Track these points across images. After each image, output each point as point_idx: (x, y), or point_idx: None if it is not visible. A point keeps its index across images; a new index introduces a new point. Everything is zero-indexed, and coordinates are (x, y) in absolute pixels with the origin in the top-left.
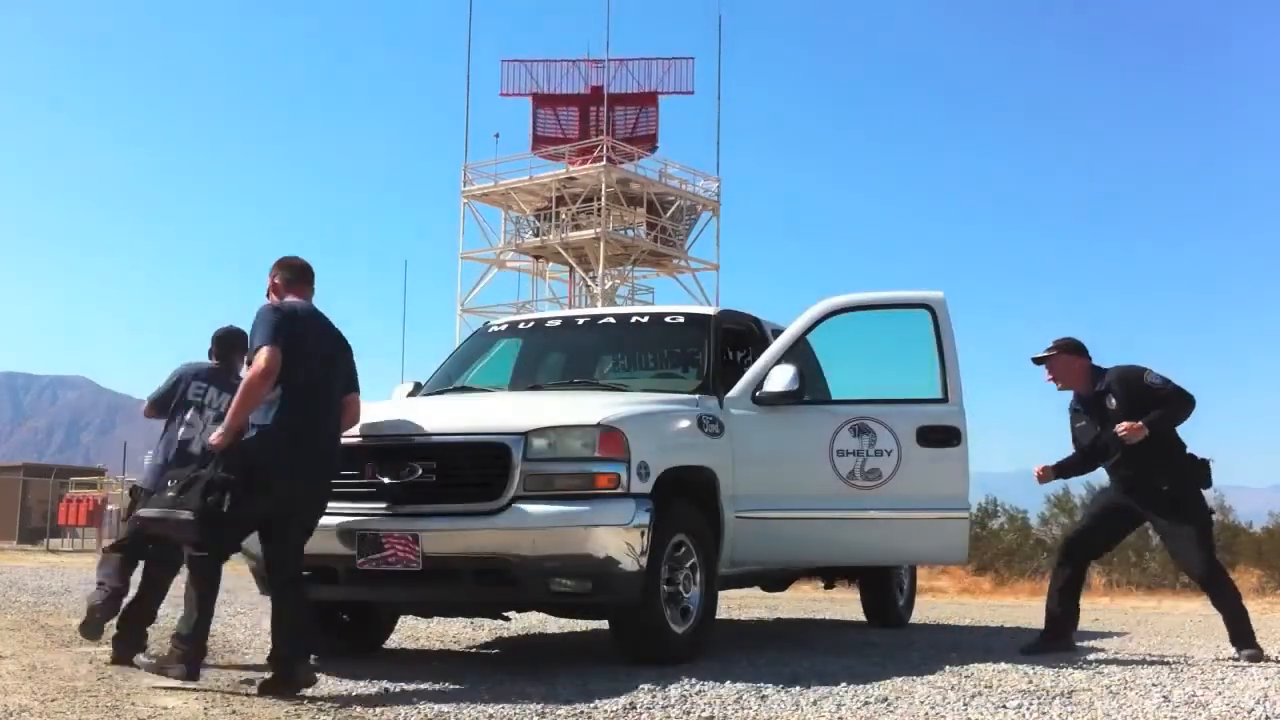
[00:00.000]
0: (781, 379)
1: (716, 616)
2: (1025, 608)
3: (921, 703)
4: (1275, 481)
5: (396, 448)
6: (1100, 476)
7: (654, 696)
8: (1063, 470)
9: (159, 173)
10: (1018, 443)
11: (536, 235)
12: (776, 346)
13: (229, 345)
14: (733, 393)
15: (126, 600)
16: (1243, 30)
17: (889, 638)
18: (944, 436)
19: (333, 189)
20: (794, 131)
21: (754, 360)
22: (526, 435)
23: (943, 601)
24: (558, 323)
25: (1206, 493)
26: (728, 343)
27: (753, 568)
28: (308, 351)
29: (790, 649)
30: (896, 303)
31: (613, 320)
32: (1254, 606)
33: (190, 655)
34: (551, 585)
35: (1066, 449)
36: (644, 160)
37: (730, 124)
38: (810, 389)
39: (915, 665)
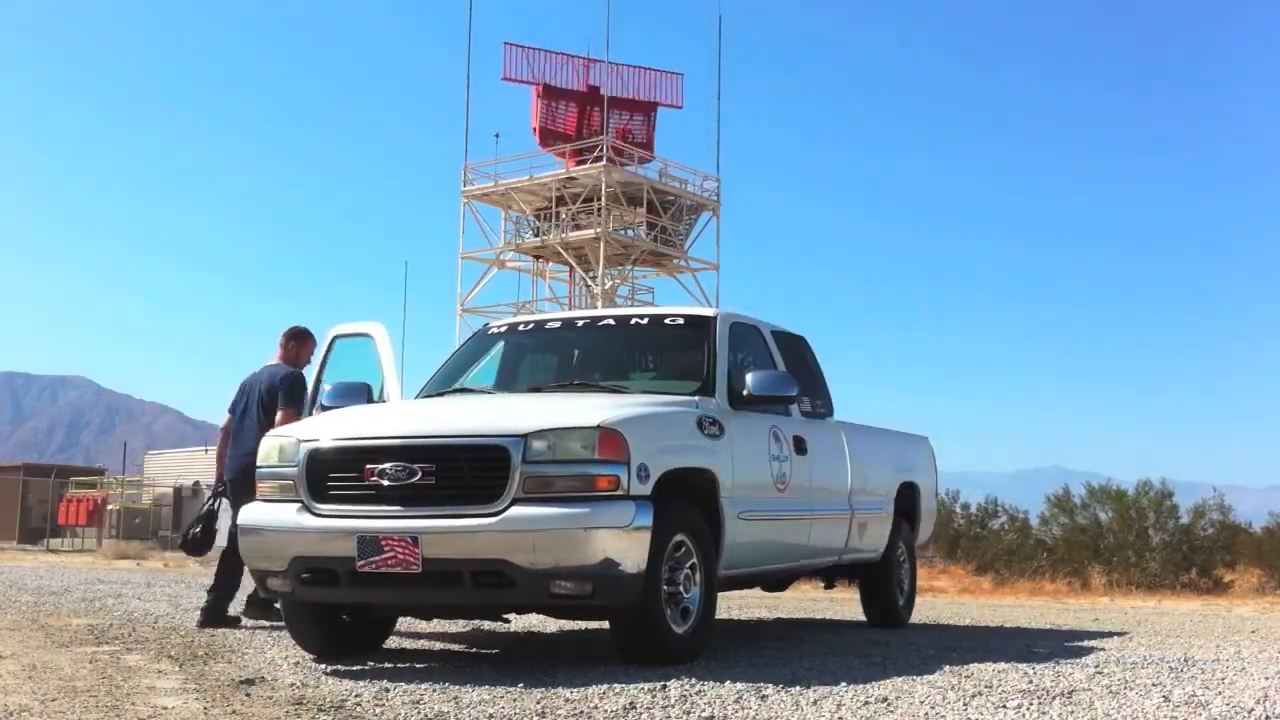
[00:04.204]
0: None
1: (716, 616)
2: (1025, 608)
3: (921, 703)
4: (1275, 481)
5: (395, 449)
6: (1098, 474)
7: (654, 696)
8: None
9: (158, 173)
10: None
11: (536, 235)
12: (774, 349)
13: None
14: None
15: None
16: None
17: (889, 638)
18: None
19: (332, 189)
20: (793, 133)
21: (754, 362)
22: (526, 437)
23: (943, 601)
24: (558, 324)
25: (1206, 491)
26: (727, 344)
27: (753, 569)
28: None
29: (790, 649)
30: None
31: (612, 321)
32: (1254, 606)
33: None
34: (551, 588)
35: (1065, 449)
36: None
37: (729, 129)
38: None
39: (915, 665)
